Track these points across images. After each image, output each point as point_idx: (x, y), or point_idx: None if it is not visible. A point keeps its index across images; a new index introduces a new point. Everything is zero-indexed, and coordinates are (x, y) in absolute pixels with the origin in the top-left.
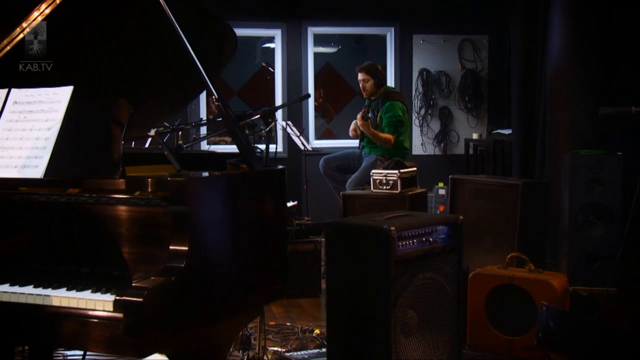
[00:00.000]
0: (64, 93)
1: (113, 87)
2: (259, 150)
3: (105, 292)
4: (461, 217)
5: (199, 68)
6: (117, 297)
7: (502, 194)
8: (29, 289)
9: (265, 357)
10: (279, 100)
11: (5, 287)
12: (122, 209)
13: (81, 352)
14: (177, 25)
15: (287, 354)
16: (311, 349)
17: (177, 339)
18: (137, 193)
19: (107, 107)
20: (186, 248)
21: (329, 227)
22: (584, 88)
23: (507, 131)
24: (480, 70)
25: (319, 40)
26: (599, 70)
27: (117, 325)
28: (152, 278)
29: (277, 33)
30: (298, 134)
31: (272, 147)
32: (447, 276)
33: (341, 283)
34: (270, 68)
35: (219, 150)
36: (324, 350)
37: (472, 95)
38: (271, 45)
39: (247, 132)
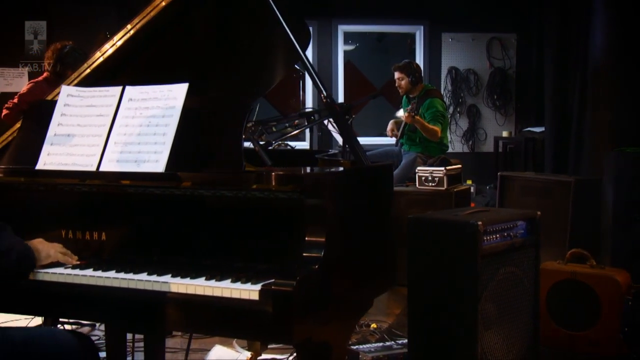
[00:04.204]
0: (180, 90)
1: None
2: (290, 146)
3: (245, 282)
4: (538, 213)
5: (309, 68)
6: (264, 287)
7: (553, 191)
8: (167, 278)
9: None
10: (309, 99)
11: (144, 276)
12: (246, 201)
13: None
14: (287, 28)
15: (354, 347)
16: (373, 343)
17: (312, 328)
18: (254, 186)
19: (225, 103)
20: (323, 239)
21: (411, 222)
22: (627, 85)
23: (539, 129)
24: (508, 68)
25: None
26: None
27: (257, 312)
28: (296, 267)
29: None
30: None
31: (301, 144)
32: (525, 271)
33: (423, 276)
34: (296, 66)
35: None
36: (387, 344)
37: (500, 93)
38: None
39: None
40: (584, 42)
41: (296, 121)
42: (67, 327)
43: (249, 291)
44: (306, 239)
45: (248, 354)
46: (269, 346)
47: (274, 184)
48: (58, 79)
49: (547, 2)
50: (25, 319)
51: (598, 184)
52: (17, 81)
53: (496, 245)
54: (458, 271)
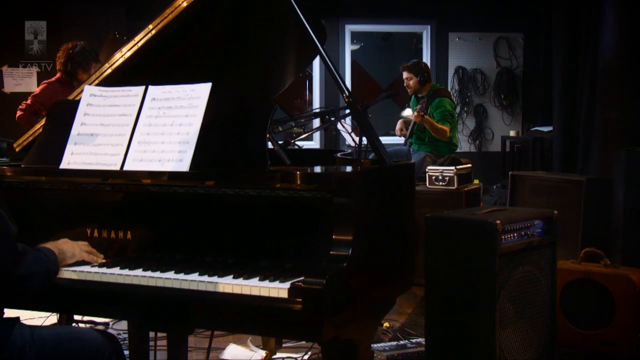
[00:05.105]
0: (203, 89)
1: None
2: (297, 146)
3: (273, 280)
4: (555, 212)
5: (331, 67)
6: (293, 285)
7: (564, 190)
8: (194, 277)
9: None
10: (315, 100)
11: (171, 274)
12: (270, 200)
13: None
14: (309, 28)
15: None
16: (387, 342)
17: (340, 326)
18: (277, 185)
19: (250, 103)
20: (350, 237)
21: (429, 221)
22: (637, 84)
23: (547, 128)
24: (515, 67)
25: None
26: None
27: (285, 311)
28: (325, 265)
29: None
30: (350, 130)
31: (309, 144)
32: (542, 270)
33: (441, 275)
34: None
35: None
36: (401, 342)
37: (507, 92)
38: None
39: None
40: (593, 40)
41: (301, 121)
42: (82, 325)
43: (278, 289)
44: (334, 237)
45: (262, 353)
46: (283, 345)
47: (298, 182)
48: (69, 78)
49: (555, 1)
50: (39, 317)
51: (609, 184)
52: (26, 81)
53: (514, 244)
54: (476, 270)
